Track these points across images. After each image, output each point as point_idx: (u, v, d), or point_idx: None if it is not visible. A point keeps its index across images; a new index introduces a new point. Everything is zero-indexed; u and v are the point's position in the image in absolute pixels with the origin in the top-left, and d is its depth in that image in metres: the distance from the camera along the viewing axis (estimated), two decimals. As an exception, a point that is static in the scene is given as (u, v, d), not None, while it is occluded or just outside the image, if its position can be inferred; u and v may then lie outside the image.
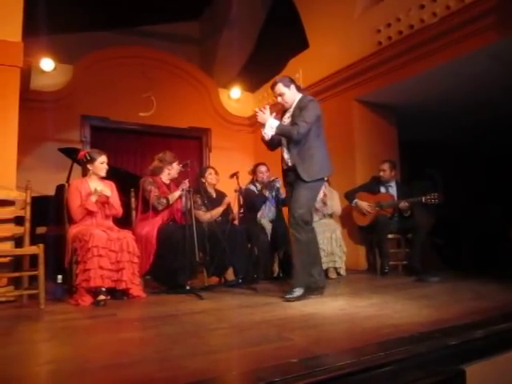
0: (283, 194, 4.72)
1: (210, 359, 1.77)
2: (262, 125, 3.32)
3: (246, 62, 7.96)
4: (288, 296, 3.18)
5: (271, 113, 3.35)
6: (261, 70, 7.27)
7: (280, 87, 3.37)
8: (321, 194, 4.90)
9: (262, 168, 4.82)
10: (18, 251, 3.37)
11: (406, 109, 5.70)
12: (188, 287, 3.58)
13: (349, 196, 5.12)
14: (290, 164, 3.36)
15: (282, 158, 3.46)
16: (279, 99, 3.41)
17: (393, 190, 5.03)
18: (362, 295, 3.39)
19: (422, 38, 4.52)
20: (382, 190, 5.05)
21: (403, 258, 4.98)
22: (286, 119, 3.42)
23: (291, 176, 3.38)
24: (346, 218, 5.29)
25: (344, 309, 2.84)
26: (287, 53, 6.69)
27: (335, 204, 4.99)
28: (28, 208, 3.47)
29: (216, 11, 8.16)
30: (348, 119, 5.64)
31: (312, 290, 3.33)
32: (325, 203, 4.87)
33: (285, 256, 4.56)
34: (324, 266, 4.60)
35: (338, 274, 4.69)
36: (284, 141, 3.40)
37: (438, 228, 5.42)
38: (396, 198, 4.93)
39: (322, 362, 1.65)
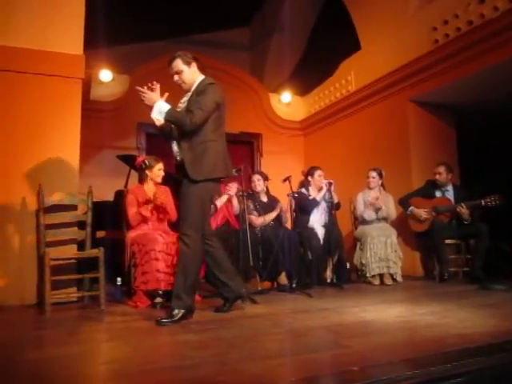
0: (336, 198, 4.65)
1: (269, 364, 1.76)
2: (150, 107, 2.75)
3: (296, 66, 7.94)
4: (164, 320, 2.65)
5: (162, 94, 2.79)
6: (311, 74, 7.23)
7: (178, 63, 2.84)
8: (369, 198, 4.78)
9: (320, 172, 4.77)
10: (81, 254, 3.52)
11: (467, 109, 5.45)
12: (242, 291, 3.58)
13: (403, 203, 4.93)
14: (179, 158, 2.82)
15: (173, 150, 2.91)
16: (176, 78, 2.87)
17: (449, 194, 4.81)
18: (421, 302, 3.25)
19: (483, 33, 4.31)
20: (438, 194, 4.84)
21: (464, 264, 4.76)
22: (182, 104, 2.90)
23: (181, 173, 2.82)
24: (400, 224, 5.13)
25: (403, 316, 2.73)
26: (338, 55, 6.60)
27: (390, 208, 4.84)
28: (89, 213, 3.63)
29: (266, 17, 8.20)
30: (403, 121, 5.47)
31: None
32: (378, 208, 4.73)
33: (338, 261, 4.49)
34: (378, 271, 4.50)
35: (394, 280, 4.54)
36: (175, 130, 2.84)
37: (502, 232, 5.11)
38: (453, 202, 4.71)
39: (385, 371, 1.59)
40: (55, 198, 3.58)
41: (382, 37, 5.71)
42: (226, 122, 2.98)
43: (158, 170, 3.79)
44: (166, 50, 6.96)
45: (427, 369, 1.60)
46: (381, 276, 4.53)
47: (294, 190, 4.54)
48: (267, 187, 4.64)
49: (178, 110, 2.85)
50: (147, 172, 3.78)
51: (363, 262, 4.58)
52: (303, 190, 4.74)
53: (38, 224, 3.50)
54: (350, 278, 4.68)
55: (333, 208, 4.56)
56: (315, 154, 7.10)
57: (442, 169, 4.79)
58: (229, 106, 7.09)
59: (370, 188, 4.92)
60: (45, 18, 3.84)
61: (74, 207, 3.70)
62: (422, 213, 4.73)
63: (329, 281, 4.45)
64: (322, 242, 4.51)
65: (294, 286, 4.00)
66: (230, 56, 7.68)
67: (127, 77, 6.42)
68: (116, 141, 6.20)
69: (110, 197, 4.88)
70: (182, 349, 2.10)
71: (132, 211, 3.65)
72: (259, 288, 3.87)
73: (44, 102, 3.77)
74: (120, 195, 4.09)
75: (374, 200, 4.71)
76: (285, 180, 4.35)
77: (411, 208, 4.82)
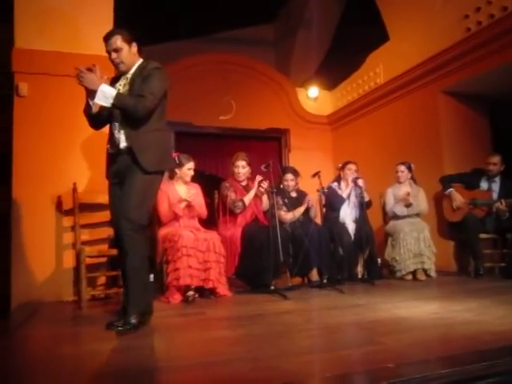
0: (367, 196, 4.59)
1: (302, 361, 1.76)
2: (90, 91, 2.46)
3: (323, 60, 7.86)
4: (121, 328, 2.40)
5: (101, 76, 2.50)
6: (339, 67, 7.14)
7: (118, 40, 2.55)
8: (400, 193, 4.69)
9: (351, 166, 4.72)
10: (114, 251, 3.59)
11: (501, 99, 5.25)
12: (272, 287, 3.59)
13: (444, 182, 4.79)
14: (123, 145, 2.55)
15: (111, 137, 2.62)
16: (113, 56, 2.57)
17: (496, 186, 4.65)
18: (456, 299, 3.18)
19: (518, 19, 4.16)
20: (483, 184, 4.67)
21: (500, 259, 4.62)
22: (121, 88, 2.62)
23: (122, 162, 2.56)
24: (433, 214, 5.01)
25: (438, 313, 2.68)
26: (366, 47, 6.50)
27: (421, 203, 4.74)
28: (122, 211, 3.69)
29: (291, 12, 8.14)
30: (434, 113, 5.34)
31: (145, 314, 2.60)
32: (408, 204, 4.64)
33: (370, 257, 4.44)
34: (412, 268, 4.41)
35: (428, 275, 4.45)
36: (117, 115, 2.55)
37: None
38: (496, 195, 4.57)
39: (420, 369, 1.56)
40: (89, 196, 3.67)
41: (411, 27, 5.57)
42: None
43: (187, 170, 3.82)
44: (192, 48, 7.05)
45: (463, 367, 1.57)
46: (413, 272, 4.45)
47: (325, 185, 4.51)
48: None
49: None
50: (177, 170, 3.82)
51: (396, 258, 4.49)
52: (334, 185, 4.69)
53: (73, 222, 3.60)
54: (382, 273, 4.61)
55: (364, 206, 4.50)
56: (343, 149, 7.02)
57: (496, 159, 4.61)
58: (256, 103, 7.20)
59: (399, 182, 4.83)
60: (76, 21, 3.93)
61: (106, 206, 3.77)
62: (459, 200, 4.60)
63: (360, 277, 4.41)
64: (352, 237, 4.47)
65: (324, 281, 3.98)
66: (255, 52, 7.66)
67: (155, 76, 6.50)
68: (145, 139, 6.29)
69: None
70: (214, 345, 2.13)
71: (164, 208, 3.70)
72: (290, 284, 3.86)
73: (76, 104, 3.84)
74: (151, 193, 4.14)
75: (406, 195, 4.62)
76: (314, 175, 4.32)
77: (452, 189, 4.68)
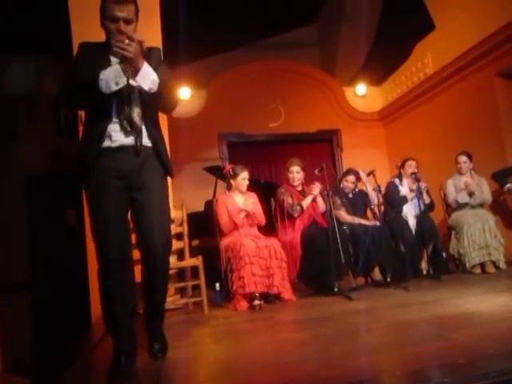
0: (428, 198, 4.51)
1: (371, 359, 1.79)
2: (132, 63, 1.93)
3: (368, 56, 7.75)
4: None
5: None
6: (385, 62, 7.01)
7: (132, 11, 2.03)
8: (460, 183, 4.53)
9: (411, 162, 4.66)
10: (183, 264, 3.77)
11: None
12: (336, 289, 3.61)
13: (498, 177, 4.60)
14: (142, 142, 2.05)
15: (121, 124, 2.03)
16: (122, 27, 2.00)
17: None
18: (529, 291, 3.05)
19: None
20: None
21: None
22: (118, 65, 1.96)
23: (141, 161, 2.05)
24: (497, 203, 4.81)
25: (509, 306, 2.60)
26: (411, 38, 6.35)
27: (484, 192, 4.56)
28: (185, 224, 3.87)
29: (332, 10, 8.10)
30: (491, 98, 5.12)
31: None
32: (471, 193, 4.48)
33: (434, 251, 4.33)
34: (479, 260, 4.26)
35: (497, 267, 4.27)
36: (135, 98, 2.05)
37: None
38: None
39: (493, 364, 1.55)
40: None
41: (459, 10, 5.32)
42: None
43: (241, 180, 3.95)
44: (236, 59, 7.20)
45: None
46: (482, 264, 4.28)
47: (380, 183, 4.46)
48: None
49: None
50: (232, 181, 3.96)
51: (461, 251, 4.35)
52: (396, 181, 4.63)
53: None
54: (448, 268, 4.48)
55: (423, 203, 4.40)
56: (398, 144, 6.89)
57: None
58: (304, 106, 7.24)
59: (461, 173, 4.67)
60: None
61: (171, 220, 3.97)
62: None
63: (425, 273, 4.31)
64: (414, 232, 4.39)
65: (388, 280, 3.94)
66: (300, 55, 7.69)
67: (205, 91, 6.72)
68: (200, 153, 6.53)
69: (200, 206, 5.16)
70: (284, 347, 2.20)
71: (224, 219, 3.84)
72: (353, 285, 3.86)
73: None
74: (210, 205, 4.31)
75: (465, 186, 4.47)
76: (369, 174, 4.30)
77: (509, 185, 4.49)
